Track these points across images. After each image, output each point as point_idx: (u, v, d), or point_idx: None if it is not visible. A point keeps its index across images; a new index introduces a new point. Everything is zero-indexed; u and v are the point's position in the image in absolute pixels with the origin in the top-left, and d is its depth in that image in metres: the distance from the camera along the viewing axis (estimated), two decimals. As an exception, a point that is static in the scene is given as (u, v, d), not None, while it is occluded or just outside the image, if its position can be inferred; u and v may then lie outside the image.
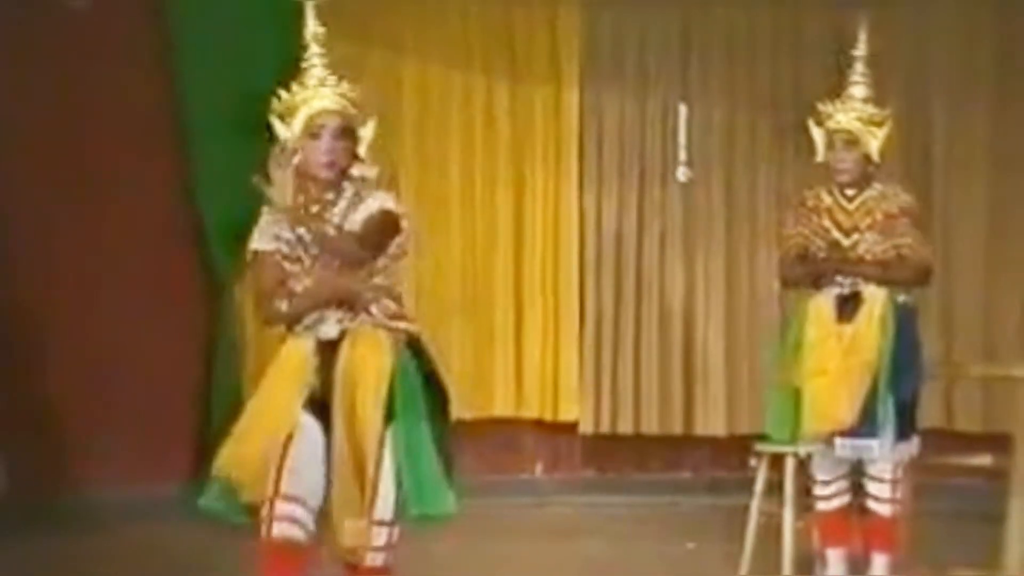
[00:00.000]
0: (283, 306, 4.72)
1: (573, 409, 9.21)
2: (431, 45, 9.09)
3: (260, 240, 4.80)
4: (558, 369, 9.22)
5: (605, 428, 9.21)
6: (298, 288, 4.72)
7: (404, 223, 4.84)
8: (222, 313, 8.47)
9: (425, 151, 9.11)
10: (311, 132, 4.75)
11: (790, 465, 6.52)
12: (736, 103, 9.24)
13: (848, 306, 6.11)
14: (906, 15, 8.83)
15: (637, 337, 9.25)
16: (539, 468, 9.31)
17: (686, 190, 9.28)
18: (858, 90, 6.26)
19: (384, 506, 4.62)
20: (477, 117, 9.19)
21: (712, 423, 9.20)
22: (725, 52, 9.22)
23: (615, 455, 9.26)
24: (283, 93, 4.84)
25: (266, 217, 4.78)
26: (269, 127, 4.83)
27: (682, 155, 9.25)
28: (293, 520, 4.57)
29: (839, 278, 6.14)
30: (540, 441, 9.29)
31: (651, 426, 9.23)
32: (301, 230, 4.68)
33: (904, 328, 6.13)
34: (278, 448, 4.58)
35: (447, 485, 4.78)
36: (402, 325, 4.79)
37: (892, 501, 6.10)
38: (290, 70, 7.08)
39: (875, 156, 6.17)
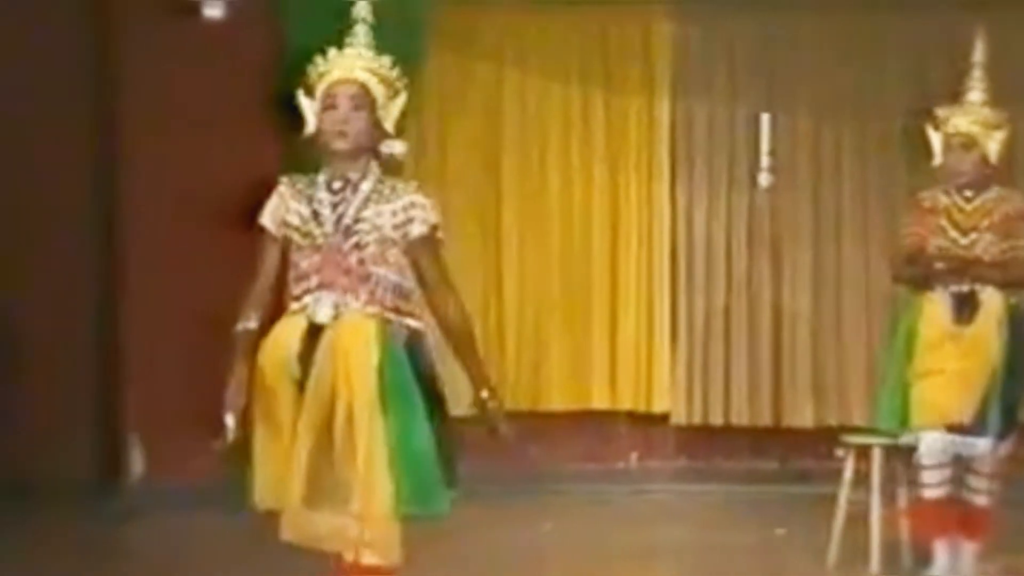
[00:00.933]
0: (249, 324, 4.32)
1: (665, 401, 9.28)
2: (531, 58, 9.20)
3: (269, 216, 4.40)
4: (651, 364, 9.30)
5: (697, 419, 9.29)
6: (303, 264, 4.30)
7: (440, 233, 4.43)
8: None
9: (526, 159, 9.22)
10: (328, 103, 4.33)
11: (877, 456, 6.45)
12: (821, 110, 9.26)
13: (965, 307, 6.06)
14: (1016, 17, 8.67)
15: (727, 332, 9.33)
16: (633, 457, 9.36)
17: (772, 194, 9.32)
18: (975, 94, 6.19)
19: (374, 501, 4.18)
20: (574, 126, 9.29)
21: (799, 414, 9.25)
22: (810, 60, 9.25)
23: (706, 445, 9.32)
24: (309, 68, 4.44)
25: (282, 188, 4.39)
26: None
27: (765, 162, 9.28)
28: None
29: (956, 278, 6.08)
30: (634, 432, 9.36)
31: (740, 417, 9.29)
32: (320, 203, 4.30)
33: (1018, 330, 6.09)
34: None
35: (442, 483, 4.35)
36: (404, 320, 4.35)
37: (988, 493, 6.14)
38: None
39: (993, 159, 6.13)
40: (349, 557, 4.23)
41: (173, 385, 7.79)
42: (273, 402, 4.25)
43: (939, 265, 6.10)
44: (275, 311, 4.35)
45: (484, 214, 9.14)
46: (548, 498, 8.52)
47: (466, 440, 8.90)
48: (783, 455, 9.26)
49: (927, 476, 6.16)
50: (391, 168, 4.55)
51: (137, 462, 8.24)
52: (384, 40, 8.10)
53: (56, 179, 8.32)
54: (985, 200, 6.13)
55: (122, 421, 8.33)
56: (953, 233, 6.13)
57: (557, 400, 9.19)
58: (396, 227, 4.30)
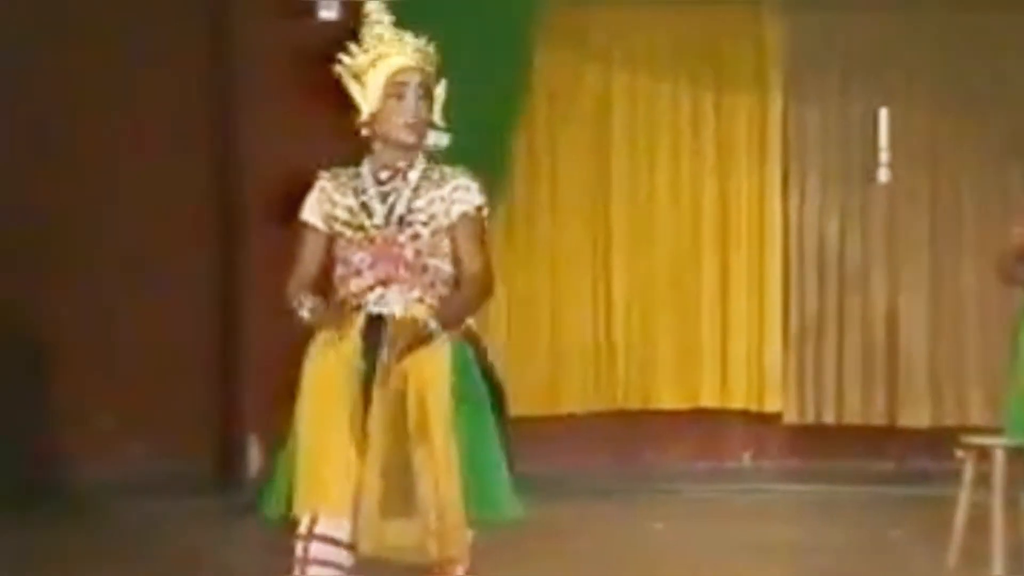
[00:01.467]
0: (304, 312, 3.99)
1: (777, 400, 9.12)
2: (640, 58, 9.11)
3: (310, 211, 4.15)
4: (762, 362, 9.17)
5: (810, 418, 9.12)
6: (356, 260, 4.03)
7: (484, 213, 4.16)
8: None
9: (635, 158, 9.12)
10: (393, 92, 4.08)
11: (1000, 458, 6.23)
12: (939, 106, 9.05)
13: None
14: None
15: (840, 331, 9.17)
16: (745, 457, 9.20)
17: (888, 191, 9.11)
18: None
19: (450, 509, 3.91)
20: (684, 126, 9.19)
21: (916, 415, 9.06)
22: (927, 55, 9.06)
23: (819, 444, 9.15)
24: (354, 49, 4.17)
25: (323, 183, 4.15)
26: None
27: (883, 157, 9.06)
28: (326, 563, 3.97)
29: None
30: (746, 431, 9.22)
31: (854, 416, 9.12)
32: (370, 196, 4.05)
33: None
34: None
35: (512, 488, 4.06)
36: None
37: None
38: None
39: None
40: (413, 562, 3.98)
41: (291, 385, 7.75)
42: (330, 403, 3.96)
43: None
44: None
45: (593, 212, 9.06)
46: (659, 496, 8.40)
47: (578, 439, 8.91)
48: (899, 455, 9.07)
49: None
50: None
51: (255, 459, 8.22)
52: (492, 40, 8.24)
53: (175, 180, 8.34)
54: None
55: (241, 420, 8.31)
56: None
57: (667, 399, 9.08)
58: (445, 213, 4.08)
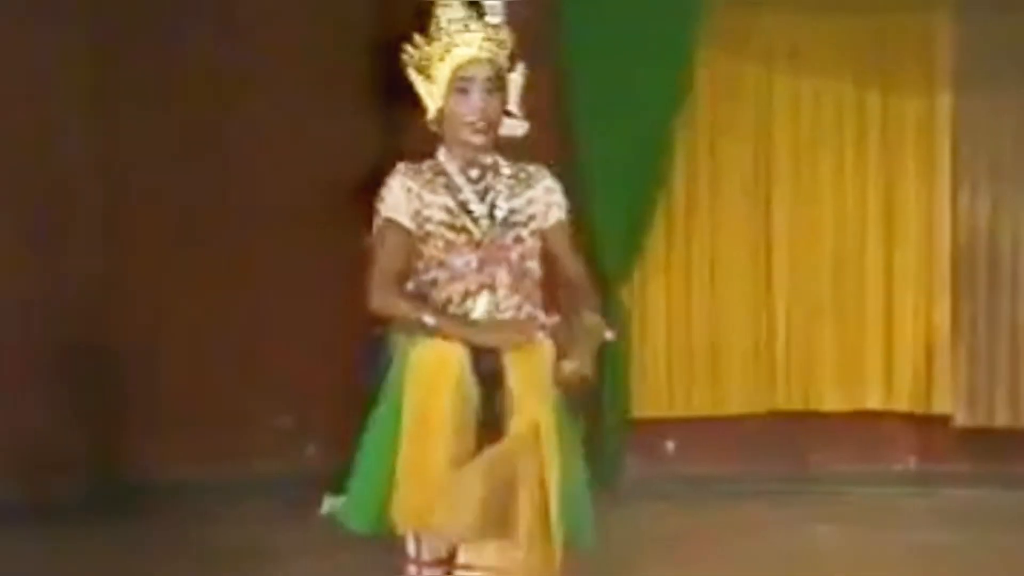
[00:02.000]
0: (428, 319, 3.69)
1: (946, 402, 8.85)
2: (803, 58, 8.90)
3: (393, 208, 3.79)
4: (931, 363, 8.88)
5: (981, 421, 8.82)
6: (457, 263, 3.75)
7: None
8: (608, 312, 8.37)
9: (797, 158, 8.92)
10: (459, 88, 3.77)
11: None
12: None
13: None
14: None
15: (1013, 331, 8.85)
16: (912, 460, 8.94)
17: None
18: None
19: (547, 531, 3.69)
20: (848, 126, 8.96)
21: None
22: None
23: (990, 448, 8.82)
24: (419, 39, 3.87)
25: (406, 180, 3.79)
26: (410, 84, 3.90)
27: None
28: None
29: None
30: (912, 433, 8.94)
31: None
32: (468, 196, 3.78)
33: None
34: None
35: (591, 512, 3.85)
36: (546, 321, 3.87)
37: None
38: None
39: None
40: None
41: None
42: (434, 417, 3.67)
43: None
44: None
45: (754, 214, 8.88)
46: (823, 498, 8.21)
47: (740, 441, 8.78)
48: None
49: None
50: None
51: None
52: (655, 42, 8.14)
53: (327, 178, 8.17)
54: None
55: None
56: None
57: (829, 401, 8.87)
58: (544, 215, 3.86)
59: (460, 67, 3.75)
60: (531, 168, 3.91)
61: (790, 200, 8.86)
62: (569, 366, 3.65)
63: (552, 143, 8.21)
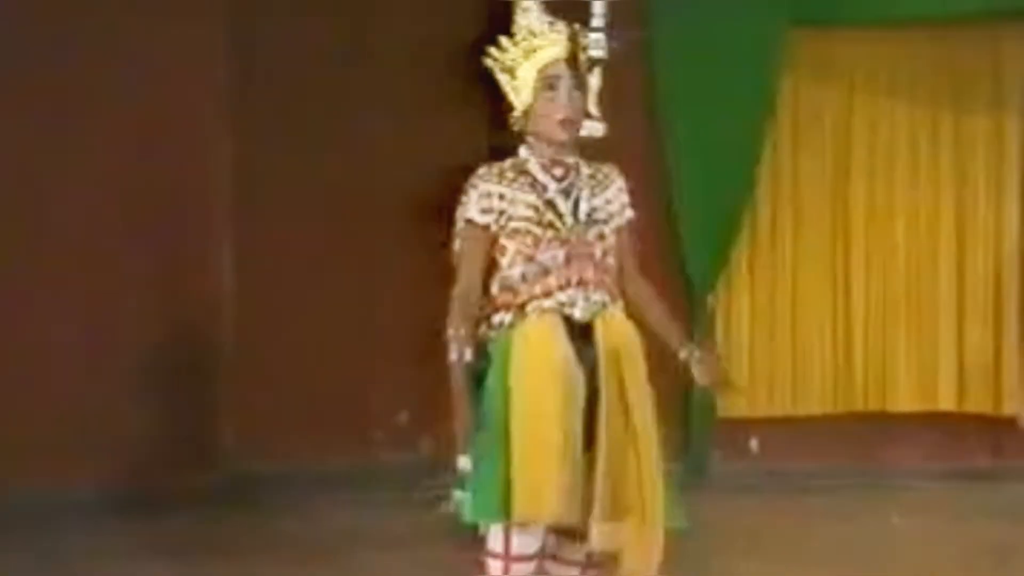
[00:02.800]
0: (459, 337, 3.56)
1: (1015, 404, 8.80)
2: (880, 81, 8.89)
3: (477, 209, 3.70)
4: (1000, 368, 8.84)
5: (1045, 422, 8.80)
6: (544, 259, 3.67)
7: None
8: (694, 324, 8.45)
9: (873, 177, 8.90)
10: (545, 86, 3.70)
11: None
12: None
13: None
14: None
15: None
16: (983, 458, 8.89)
17: None
18: None
19: (658, 513, 3.65)
20: (921, 145, 8.93)
21: None
22: None
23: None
24: (505, 42, 3.79)
25: (486, 184, 3.71)
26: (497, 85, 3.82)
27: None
28: None
29: None
30: (984, 433, 8.87)
31: None
32: (553, 194, 3.70)
33: None
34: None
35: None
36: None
37: None
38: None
39: None
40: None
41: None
42: (541, 412, 3.57)
43: None
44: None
45: (833, 228, 8.88)
46: (896, 493, 8.22)
47: (818, 439, 8.75)
48: None
49: None
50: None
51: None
52: (739, 66, 8.18)
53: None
54: None
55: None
56: None
57: (904, 403, 8.83)
58: (620, 213, 3.84)
59: (546, 66, 3.70)
60: (606, 168, 3.86)
61: (866, 213, 8.85)
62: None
63: (646, 161, 8.31)
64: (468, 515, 3.63)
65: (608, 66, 7.95)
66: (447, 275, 3.81)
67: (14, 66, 7.18)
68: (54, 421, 7.27)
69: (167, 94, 7.62)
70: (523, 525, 3.62)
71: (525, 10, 3.88)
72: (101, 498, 7.11)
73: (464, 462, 3.57)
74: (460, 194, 3.77)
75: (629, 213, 3.88)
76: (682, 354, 3.80)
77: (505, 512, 3.57)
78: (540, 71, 3.70)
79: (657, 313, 3.89)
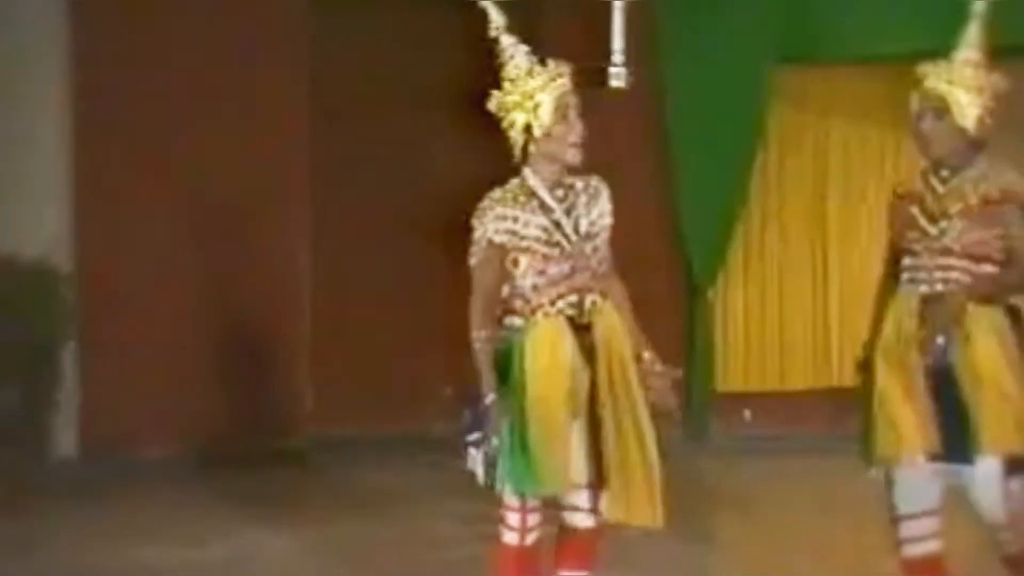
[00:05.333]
0: (482, 337, 3.62)
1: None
2: (854, 110, 8.71)
3: (494, 230, 3.63)
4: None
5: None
6: (552, 271, 3.62)
7: None
8: (697, 313, 8.33)
9: (848, 194, 8.73)
10: (562, 115, 3.60)
11: None
12: None
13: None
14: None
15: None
16: None
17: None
18: (965, 51, 3.93)
19: (655, 474, 3.63)
20: (889, 169, 8.69)
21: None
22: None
23: None
24: (508, 85, 3.65)
25: (501, 208, 3.63)
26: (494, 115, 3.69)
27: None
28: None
29: (922, 274, 3.86)
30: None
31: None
32: (559, 215, 3.63)
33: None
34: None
35: None
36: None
37: None
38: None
39: (972, 129, 3.82)
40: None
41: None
42: (553, 400, 3.58)
43: (906, 261, 3.93)
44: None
45: (813, 231, 8.72)
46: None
47: (801, 409, 8.57)
48: None
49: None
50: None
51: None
52: (730, 99, 8.02)
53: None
54: (964, 180, 3.83)
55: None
56: (922, 221, 3.88)
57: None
58: (607, 225, 3.73)
59: (562, 96, 3.63)
60: (594, 181, 3.76)
61: (841, 222, 8.68)
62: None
63: (655, 176, 8.24)
64: (506, 486, 3.62)
65: (624, 98, 7.87)
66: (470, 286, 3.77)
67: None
68: (160, 394, 7.28)
69: (252, 123, 7.59)
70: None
71: (513, 55, 3.67)
72: (199, 459, 7.11)
73: (489, 400, 3.60)
74: (476, 211, 3.71)
75: (610, 221, 3.77)
76: (645, 356, 3.74)
77: (533, 484, 3.58)
78: (557, 100, 3.62)
79: (625, 313, 3.79)
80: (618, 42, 7.83)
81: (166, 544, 5.64)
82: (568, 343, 3.62)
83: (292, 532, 5.89)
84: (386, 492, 6.77)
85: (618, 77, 7.96)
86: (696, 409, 8.13)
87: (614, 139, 8.16)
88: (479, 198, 3.77)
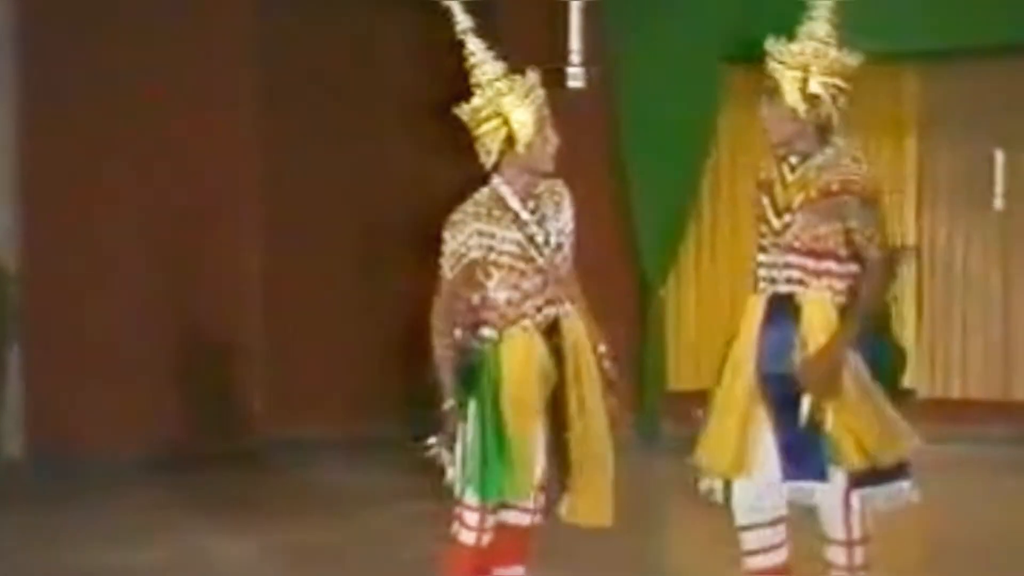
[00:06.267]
0: (444, 344, 3.61)
1: (911, 378, 8.67)
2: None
3: (467, 245, 3.61)
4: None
5: (939, 393, 8.68)
6: (526, 285, 3.62)
7: None
8: (649, 312, 8.35)
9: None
10: (542, 126, 3.62)
11: None
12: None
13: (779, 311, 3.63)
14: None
15: (964, 324, 8.71)
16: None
17: (1003, 216, 8.59)
18: (813, 26, 3.66)
19: (610, 470, 3.73)
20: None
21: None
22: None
23: (946, 414, 8.64)
24: (478, 99, 3.60)
25: (473, 222, 3.59)
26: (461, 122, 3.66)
27: (998, 189, 8.57)
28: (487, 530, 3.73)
29: (773, 273, 3.67)
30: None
31: (975, 391, 8.66)
32: (533, 229, 3.62)
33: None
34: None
35: None
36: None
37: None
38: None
39: (802, 112, 3.66)
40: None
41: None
42: (528, 410, 3.62)
43: (759, 257, 3.70)
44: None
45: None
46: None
47: None
48: (1013, 422, 8.51)
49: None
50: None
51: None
52: (686, 96, 8.08)
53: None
54: (808, 169, 3.65)
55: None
56: (770, 214, 3.73)
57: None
58: (571, 231, 3.75)
59: (541, 107, 3.64)
60: (556, 186, 3.75)
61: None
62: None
63: (607, 175, 8.25)
64: (477, 493, 3.63)
65: (576, 96, 7.86)
66: (426, 290, 3.74)
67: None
68: (110, 396, 7.19)
69: (203, 124, 7.51)
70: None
71: (481, 61, 3.63)
72: (149, 461, 7.03)
73: (449, 406, 3.60)
74: (445, 222, 3.68)
75: (572, 226, 3.77)
76: (600, 349, 3.78)
77: (500, 493, 3.62)
78: (536, 112, 3.61)
79: (583, 312, 3.82)
80: (576, 42, 7.83)
81: (115, 547, 5.58)
82: (540, 352, 3.65)
83: (244, 534, 5.83)
84: (339, 493, 6.75)
85: (576, 77, 7.96)
86: (648, 408, 8.15)
87: (567, 138, 8.18)
88: (433, 200, 3.82)
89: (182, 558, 5.45)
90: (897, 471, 3.54)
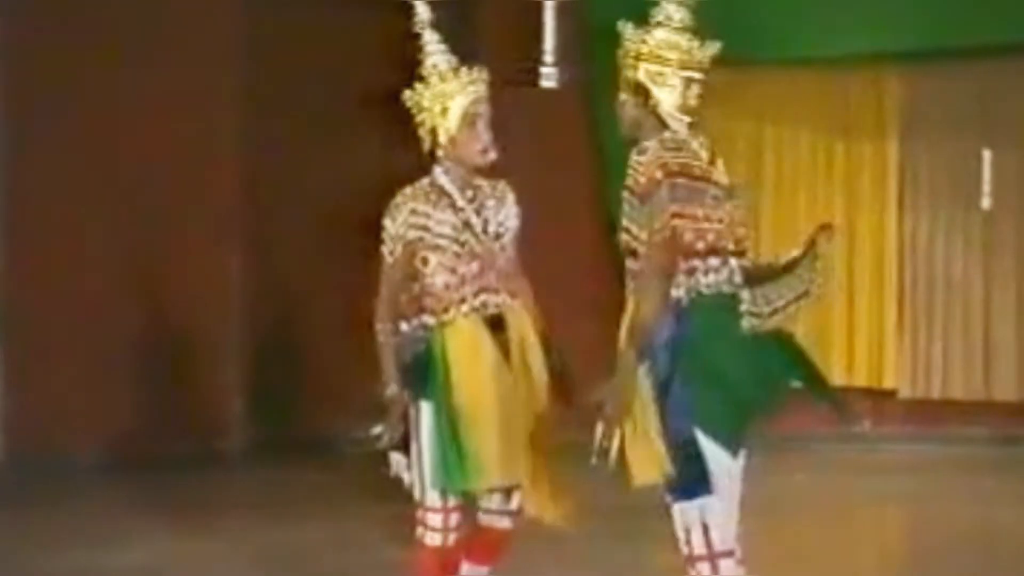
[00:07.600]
0: (386, 330, 3.58)
1: (894, 379, 8.71)
2: (784, 112, 8.80)
3: (403, 226, 3.59)
4: (882, 349, 8.74)
5: (920, 393, 8.68)
6: (461, 270, 3.59)
7: None
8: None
9: (780, 192, 8.86)
10: (469, 121, 3.58)
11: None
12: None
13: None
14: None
15: (945, 324, 8.70)
16: (867, 424, 8.76)
17: (987, 216, 8.62)
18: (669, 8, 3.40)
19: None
20: (819, 166, 8.86)
21: (1006, 390, 8.53)
22: (1018, 106, 8.48)
23: (927, 414, 8.66)
24: (420, 86, 3.62)
25: (412, 204, 3.59)
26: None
27: (985, 188, 8.57)
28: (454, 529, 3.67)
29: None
30: (867, 403, 8.66)
31: (956, 392, 8.65)
32: (469, 215, 3.61)
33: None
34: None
35: None
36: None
37: None
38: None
39: (631, 103, 3.37)
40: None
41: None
42: (482, 397, 3.55)
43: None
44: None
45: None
46: (798, 454, 7.98)
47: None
48: (993, 423, 8.53)
49: None
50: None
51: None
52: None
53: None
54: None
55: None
56: None
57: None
58: (515, 227, 3.70)
59: (473, 103, 3.60)
60: (500, 185, 3.72)
61: (774, 218, 8.75)
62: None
63: (588, 176, 8.24)
64: (437, 486, 3.57)
65: (555, 97, 7.87)
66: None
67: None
68: (87, 398, 7.16)
69: (182, 123, 7.48)
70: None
71: (431, 54, 3.62)
72: (126, 462, 7.00)
73: (391, 391, 3.58)
74: (388, 208, 3.63)
75: (516, 223, 3.73)
76: (546, 340, 3.70)
77: (461, 482, 3.54)
78: (466, 108, 3.59)
79: (532, 313, 3.74)
80: (549, 42, 7.81)
81: (92, 548, 5.54)
82: (487, 341, 3.60)
83: (218, 535, 5.80)
84: (312, 495, 6.73)
85: (549, 77, 7.94)
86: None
87: (547, 138, 8.17)
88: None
89: (159, 560, 5.42)
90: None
